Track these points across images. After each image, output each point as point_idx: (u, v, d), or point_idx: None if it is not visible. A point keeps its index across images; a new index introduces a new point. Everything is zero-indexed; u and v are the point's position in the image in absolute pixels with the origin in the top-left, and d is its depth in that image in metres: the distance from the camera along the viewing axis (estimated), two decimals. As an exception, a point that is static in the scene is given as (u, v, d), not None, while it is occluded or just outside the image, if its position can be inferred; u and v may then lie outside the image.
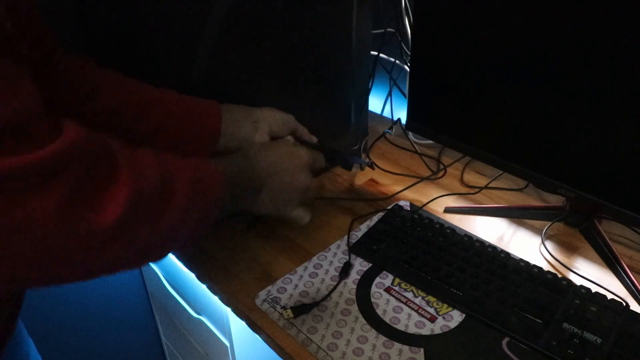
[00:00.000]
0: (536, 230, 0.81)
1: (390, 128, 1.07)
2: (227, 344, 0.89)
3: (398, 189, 0.91)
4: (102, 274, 0.47)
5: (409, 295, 0.68)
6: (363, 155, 1.01)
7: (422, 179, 0.94)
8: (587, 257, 0.76)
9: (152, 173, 0.48)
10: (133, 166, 0.46)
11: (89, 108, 0.64)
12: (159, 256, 0.54)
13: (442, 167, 0.97)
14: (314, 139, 0.80)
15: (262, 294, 0.69)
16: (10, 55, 0.39)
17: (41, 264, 0.41)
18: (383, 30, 0.97)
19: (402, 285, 0.70)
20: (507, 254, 0.72)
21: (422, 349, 0.61)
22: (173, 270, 0.97)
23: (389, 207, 0.84)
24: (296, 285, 0.70)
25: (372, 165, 0.92)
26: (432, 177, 0.94)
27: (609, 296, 0.66)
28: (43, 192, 0.38)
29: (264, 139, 0.73)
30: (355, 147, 0.99)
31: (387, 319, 0.65)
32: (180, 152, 0.68)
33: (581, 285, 0.67)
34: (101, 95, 0.65)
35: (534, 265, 0.70)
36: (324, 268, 0.73)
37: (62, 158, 0.39)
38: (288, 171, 0.67)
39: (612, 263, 0.74)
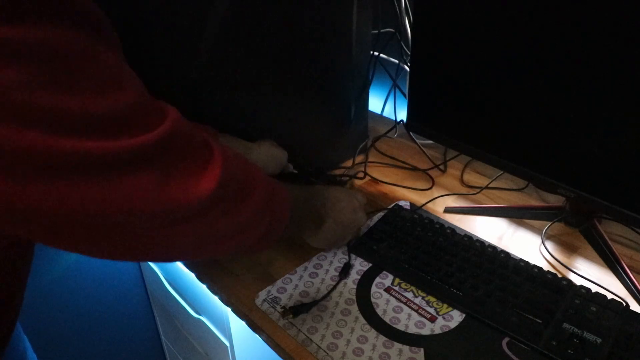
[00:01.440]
0: (536, 230, 0.81)
1: (393, 129, 1.07)
2: (227, 344, 0.89)
3: (398, 189, 0.91)
4: (179, 255, 0.51)
5: (409, 295, 0.68)
6: (361, 159, 1.01)
7: (422, 170, 0.94)
8: (587, 257, 0.76)
9: (237, 165, 0.51)
10: (225, 154, 0.49)
11: None
12: (226, 249, 0.55)
13: (441, 163, 0.97)
14: (290, 168, 0.83)
15: (262, 294, 0.69)
16: (114, 46, 0.42)
17: (141, 237, 0.44)
18: (383, 30, 0.97)
19: (402, 285, 0.70)
20: (507, 254, 0.72)
21: (422, 349, 0.61)
22: (173, 270, 0.97)
23: (389, 207, 0.84)
24: (296, 285, 0.70)
25: (345, 184, 0.92)
26: (430, 170, 0.94)
27: (609, 296, 0.66)
28: (146, 170, 0.41)
29: None
30: (346, 150, 0.99)
31: (387, 319, 0.65)
32: None
33: (581, 285, 0.67)
34: None
35: (534, 265, 0.70)
36: (324, 268, 0.73)
37: (167, 139, 0.43)
38: (349, 209, 0.71)
39: (612, 263, 0.74)
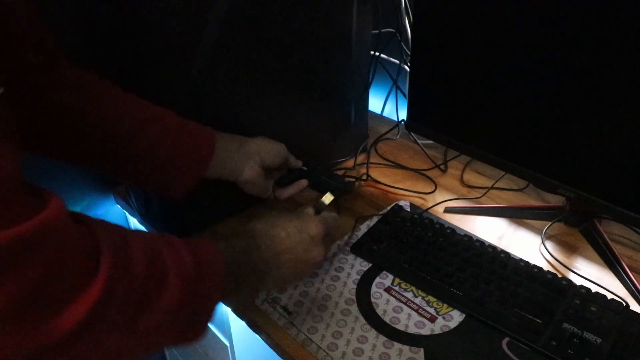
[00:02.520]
0: (536, 230, 0.81)
1: (395, 128, 1.07)
2: (227, 344, 0.89)
3: (398, 189, 0.91)
4: None
5: (409, 295, 0.68)
6: (362, 159, 1.01)
7: (423, 173, 0.94)
8: (587, 257, 0.76)
9: (139, 268, 0.42)
10: (118, 264, 0.40)
11: (84, 121, 0.63)
12: (140, 356, 0.47)
13: (442, 163, 0.97)
14: (299, 164, 0.81)
15: (262, 294, 0.69)
16: None
17: None
18: (383, 30, 0.97)
19: (402, 285, 0.70)
20: (507, 254, 0.72)
21: (422, 349, 0.61)
22: (173, 270, 0.97)
23: (389, 207, 0.84)
24: (296, 285, 0.70)
25: (351, 186, 0.89)
26: (430, 170, 0.94)
27: (609, 296, 0.66)
28: (2, 280, 0.32)
29: (255, 171, 0.74)
30: (346, 150, 0.99)
31: (387, 319, 0.65)
32: (169, 174, 0.68)
33: (581, 285, 0.67)
34: (98, 109, 0.64)
35: (534, 265, 0.70)
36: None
37: (35, 240, 0.34)
38: (297, 249, 0.62)
39: (612, 263, 0.74)
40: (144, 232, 0.48)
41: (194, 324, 0.50)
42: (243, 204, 0.85)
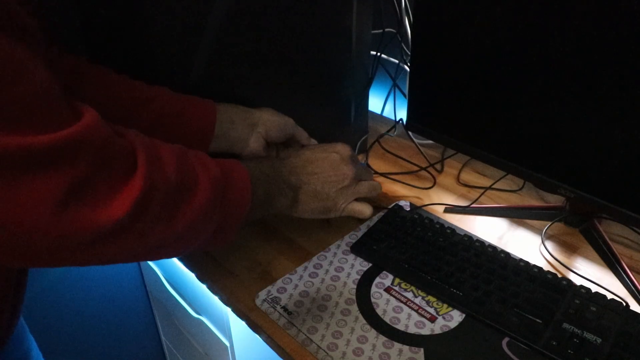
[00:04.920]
0: (536, 230, 0.81)
1: (392, 128, 1.07)
2: (227, 344, 0.89)
3: (398, 189, 0.91)
4: (105, 263, 0.44)
5: (409, 295, 0.68)
6: (361, 158, 1.01)
7: (421, 169, 0.94)
8: (587, 257, 0.76)
9: (172, 170, 0.46)
10: (152, 161, 0.44)
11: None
12: (175, 253, 0.52)
13: (437, 162, 0.97)
14: (314, 142, 0.78)
15: (262, 294, 0.69)
16: (25, 40, 0.37)
17: (27, 252, 0.39)
18: (383, 30, 0.97)
19: (402, 285, 0.70)
20: (507, 254, 0.72)
21: (422, 349, 0.61)
22: (173, 270, 0.97)
23: (389, 207, 0.84)
24: (296, 285, 0.70)
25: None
26: (425, 168, 0.94)
27: (609, 296, 0.66)
28: (45, 178, 0.36)
29: (260, 144, 0.72)
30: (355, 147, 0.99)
31: (387, 319, 0.65)
32: None
33: (581, 285, 0.67)
34: (91, 92, 0.63)
35: (534, 265, 0.70)
36: (324, 268, 0.73)
37: (74, 144, 0.37)
38: (326, 166, 0.63)
39: (612, 263, 0.74)
40: (172, 144, 0.50)
41: (224, 227, 0.52)
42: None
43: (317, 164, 0.63)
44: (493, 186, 0.90)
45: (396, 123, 1.07)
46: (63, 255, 0.40)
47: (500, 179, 0.91)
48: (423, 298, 0.68)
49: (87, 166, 0.38)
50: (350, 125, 0.97)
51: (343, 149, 0.66)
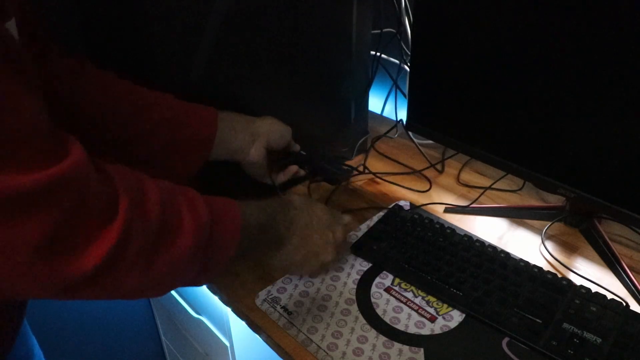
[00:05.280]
0: (536, 230, 0.81)
1: (392, 129, 1.07)
2: (227, 344, 0.89)
3: (398, 189, 0.91)
4: (78, 299, 0.43)
5: (409, 295, 0.68)
6: (361, 158, 1.00)
7: (419, 171, 0.94)
8: (587, 257, 0.76)
9: (155, 214, 0.44)
10: (134, 206, 0.42)
11: (81, 109, 0.63)
12: (156, 294, 0.50)
13: (437, 162, 0.97)
14: (297, 148, 0.80)
15: (262, 294, 0.69)
16: (19, 73, 0.37)
17: (3, 292, 0.38)
18: (383, 30, 0.97)
19: (402, 285, 0.70)
20: (507, 254, 0.72)
21: (422, 349, 0.61)
22: (173, 270, 0.97)
23: (389, 207, 0.84)
24: (296, 285, 0.70)
25: (350, 173, 0.89)
26: (427, 169, 0.94)
27: (609, 296, 0.66)
28: (23, 223, 0.35)
29: (261, 153, 0.72)
30: (345, 150, 0.98)
31: (387, 319, 0.65)
32: (172, 157, 0.67)
33: (581, 285, 0.67)
34: (93, 96, 0.64)
35: (534, 265, 0.70)
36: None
37: (58, 185, 0.36)
38: (317, 242, 0.63)
39: (612, 263, 0.74)
40: (162, 180, 0.49)
41: (206, 271, 0.51)
42: (242, 194, 0.85)
43: (308, 242, 0.63)
44: (493, 186, 0.90)
45: (397, 123, 1.07)
46: (38, 296, 0.40)
47: (500, 179, 0.91)
48: (423, 298, 0.68)
49: (67, 210, 0.37)
50: (350, 126, 0.97)
51: (341, 235, 0.67)
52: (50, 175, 0.35)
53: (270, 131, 0.73)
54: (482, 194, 0.89)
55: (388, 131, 1.06)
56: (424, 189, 0.91)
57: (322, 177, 0.83)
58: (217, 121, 0.69)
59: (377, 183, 0.93)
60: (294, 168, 0.79)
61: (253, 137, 0.72)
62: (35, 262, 0.36)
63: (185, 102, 0.68)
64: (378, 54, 0.96)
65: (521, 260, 0.71)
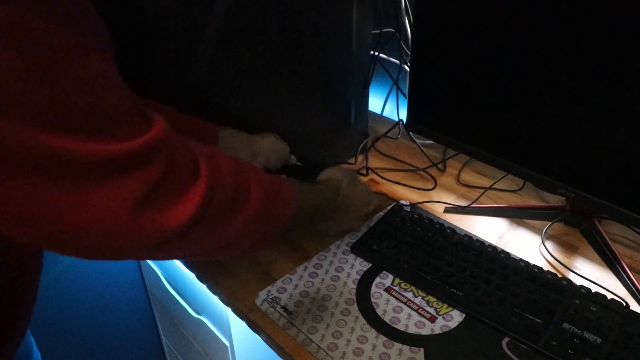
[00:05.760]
0: (536, 230, 0.81)
1: (392, 129, 1.07)
2: (227, 344, 0.89)
3: (398, 189, 0.91)
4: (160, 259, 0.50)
5: (409, 295, 0.68)
6: (361, 159, 1.01)
7: (422, 169, 0.94)
8: (587, 257, 0.76)
9: (228, 178, 0.48)
10: (212, 169, 0.46)
11: None
12: (220, 257, 0.55)
13: (439, 162, 0.97)
14: (294, 161, 0.82)
15: (262, 294, 0.69)
16: (110, 53, 0.41)
17: (101, 250, 0.42)
18: (383, 30, 0.97)
19: (402, 285, 0.70)
20: (507, 254, 0.72)
21: (422, 349, 0.61)
22: (173, 270, 0.97)
23: (389, 207, 0.84)
24: (296, 285, 0.70)
25: None
26: (428, 169, 0.94)
27: (609, 296, 0.66)
28: (123, 183, 0.39)
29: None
30: (346, 150, 0.99)
31: (387, 319, 0.65)
32: None
33: (581, 285, 0.67)
34: None
35: (534, 265, 0.70)
36: (324, 268, 0.73)
37: (148, 151, 0.40)
38: (356, 211, 0.74)
39: (612, 263, 0.74)
40: (225, 154, 0.53)
41: (266, 235, 0.55)
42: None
43: (352, 208, 0.73)
44: (493, 186, 0.90)
45: (397, 123, 1.07)
46: (131, 254, 0.44)
47: (501, 179, 0.91)
48: (423, 298, 0.68)
49: (158, 172, 0.41)
50: (351, 126, 0.97)
51: (373, 206, 0.78)
52: (142, 143, 0.39)
53: (270, 150, 0.75)
54: (482, 194, 0.89)
55: (388, 131, 1.06)
56: (426, 188, 0.91)
57: None
58: (217, 139, 0.70)
59: (378, 183, 0.93)
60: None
61: (253, 156, 0.74)
62: (135, 218, 0.39)
63: (184, 116, 0.69)
64: (377, 53, 0.96)
65: (521, 260, 0.71)
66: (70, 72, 0.36)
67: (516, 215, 0.84)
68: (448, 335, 0.63)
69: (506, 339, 0.62)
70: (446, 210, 0.86)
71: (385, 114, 1.18)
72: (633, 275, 0.71)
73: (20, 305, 0.56)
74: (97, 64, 0.38)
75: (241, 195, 0.50)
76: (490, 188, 0.90)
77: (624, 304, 0.64)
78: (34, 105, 0.34)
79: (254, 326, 0.66)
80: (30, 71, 0.33)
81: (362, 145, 1.01)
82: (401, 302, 0.67)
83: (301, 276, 0.71)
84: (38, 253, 0.57)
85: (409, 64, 0.93)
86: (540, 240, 0.78)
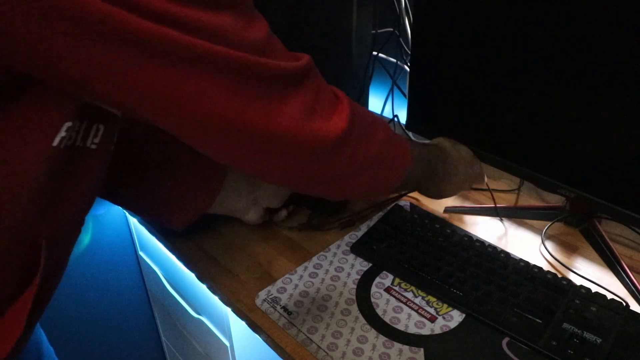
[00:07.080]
0: (536, 230, 0.81)
1: (389, 124, 1.06)
2: (227, 344, 0.89)
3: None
4: (314, 187, 0.54)
5: (409, 295, 0.68)
6: None
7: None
8: (587, 257, 0.76)
9: (358, 106, 0.53)
10: (344, 94, 0.53)
11: None
12: (361, 185, 0.56)
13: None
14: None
15: (262, 294, 0.69)
16: None
17: (278, 164, 0.48)
18: (382, 30, 0.97)
19: (402, 285, 0.70)
20: (507, 254, 0.72)
21: (422, 349, 0.61)
22: (173, 270, 0.97)
23: (389, 207, 0.84)
24: (296, 285, 0.70)
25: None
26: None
27: (609, 296, 0.66)
28: (295, 95, 0.45)
29: (259, 215, 0.77)
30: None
31: (387, 319, 0.65)
32: (169, 209, 0.71)
33: (581, 285, 0.67)
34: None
35: (534, 265, 0.70)
36: (324, 268, 0.73)
37: (308, 71, 0.47)
38: (465, 172, 0.76)
39: (612, 263, 0.74)
40: None
41: (393, 171, 0.59)
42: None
43: (461, 169, 0.75)
44: (495, 187, 0.90)
45: (391, 119, 1.07)
46: (298, 161, 0.48)
47: (500, 179, 0.91)
48: (423, 298, 0.68)
49: (313, 90, 0.47)
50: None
51: (480, 177, 0.80)
52: (300, 66, 0.46)
53: (272, 196, 0.76)
54: (482, 194, 0.89)
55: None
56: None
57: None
58: (221, 187, 0.72)
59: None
60: (283, 213, 0.81)
61: (255, 201, 0.76)
62: (304, 124, 0.46)
63: (193, 157, 0.70)
64: (376, 53, 0.96)
65: (521, 260, 0.71)
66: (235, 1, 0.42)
67: (516, 215, 0.84)
68: (448, 335, 0.63)
69: (506, 339, 0.62)
70: (446, 210, 0.86)
71: (385, 114, 1.18)
72: (633, 275, 0.71)
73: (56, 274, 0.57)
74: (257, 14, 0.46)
75: (372, 121, 0.56)
76: (490, 188, 0.90)
77: (624, 304, 0.64)
78: (215, 28, 0.40)
79: (253, 326, 0.66)
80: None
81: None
82: (401, 302, 0.67)
83: (301, 276, 0.71)
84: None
85: (408, 64, 0.93)
86: (540, 241, 0.78)
